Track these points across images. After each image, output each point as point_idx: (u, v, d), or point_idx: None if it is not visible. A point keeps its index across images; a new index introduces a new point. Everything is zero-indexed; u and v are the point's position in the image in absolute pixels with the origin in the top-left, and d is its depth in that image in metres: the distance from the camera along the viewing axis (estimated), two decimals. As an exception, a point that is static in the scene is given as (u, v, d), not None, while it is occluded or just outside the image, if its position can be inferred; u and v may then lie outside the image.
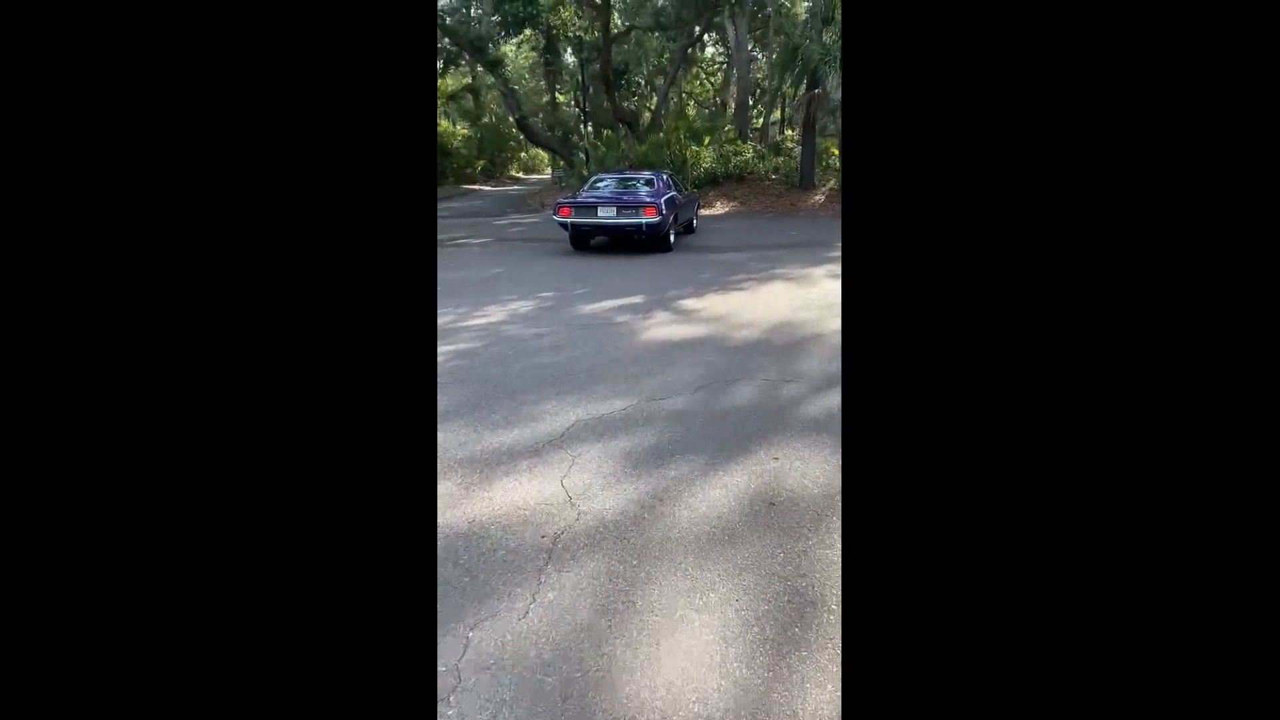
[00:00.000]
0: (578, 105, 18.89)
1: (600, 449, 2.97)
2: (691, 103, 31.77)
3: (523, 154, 33.89)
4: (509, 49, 27.85)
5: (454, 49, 19.09)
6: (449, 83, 25.19)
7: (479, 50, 17.22)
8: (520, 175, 33.12)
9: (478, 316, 5.56)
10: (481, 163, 26.77)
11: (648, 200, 8.84)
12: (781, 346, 4.54)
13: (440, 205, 17.25)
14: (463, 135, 26.71)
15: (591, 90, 18.90)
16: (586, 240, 9.38)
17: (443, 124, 25.38)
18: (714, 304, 5.90)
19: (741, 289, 6.59)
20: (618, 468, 2.79)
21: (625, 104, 19.16)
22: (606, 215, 8.81)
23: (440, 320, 5.38)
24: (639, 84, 21.87)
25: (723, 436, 3.08)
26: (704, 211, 14.31)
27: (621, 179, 10.08)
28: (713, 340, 4.72)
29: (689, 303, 5.97)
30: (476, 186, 25.14)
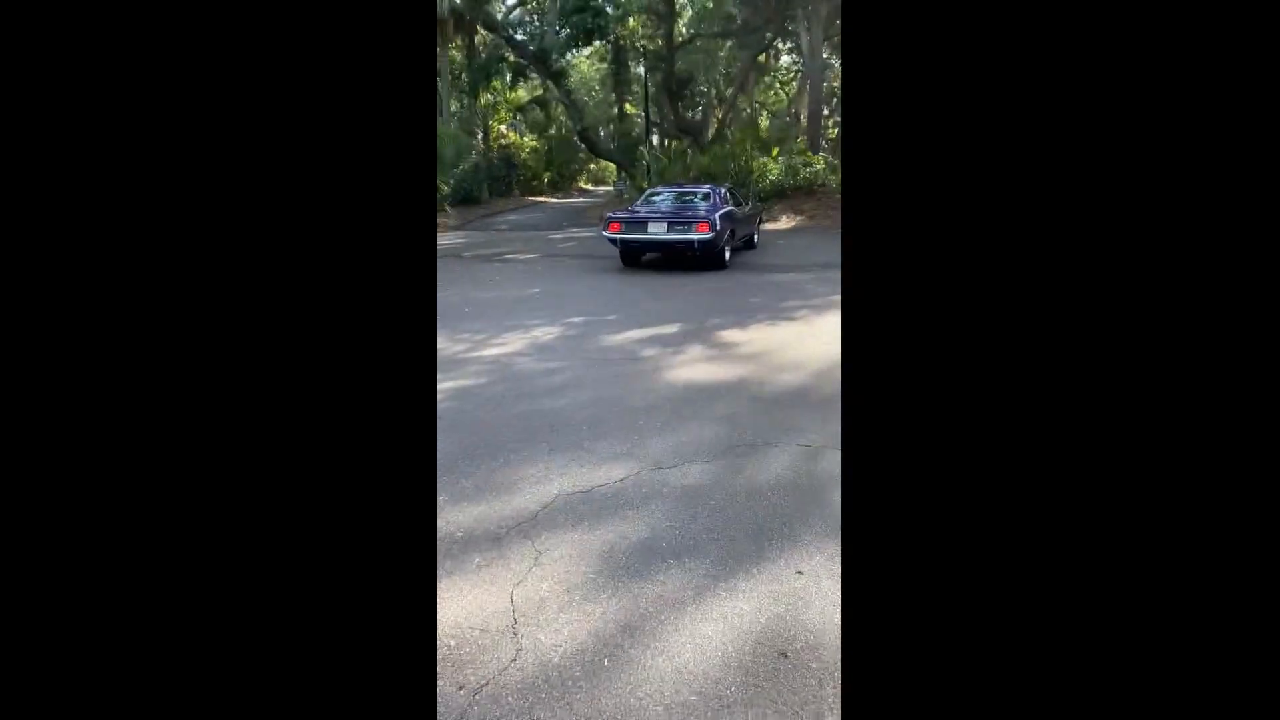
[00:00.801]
0: (644, 116, 18.39)
1: (576, 541, 2.34)
2: (765, 113, 30.88)
3: (592, 166, 33.82)
4: (582, 62, 27.87)
5: (522, 61, 19.05)
6: (520, 94, 25.33)
7: (542, 62, 17.04)
8: (589, 187, 33.04)
9: (493, 345, 5.06)
10: (548, 175, 26.75)
11: (701, 215, 8.19)
12: (831, 398, 3.79)
13: (499, 218, 17.14)
14: (530, 147, 26.81)
15: (663, 101, 18.40)
16: (637, 257, 8.82)
17: (510, 135, 25.55)
18: (759, 337, 5.18)
19: (794, 318, 5.84)
20: (589, 574, 2.16)
21: (690, 114, 18.52)
22: (657, 231, 8.22)
23: (451, 349, 4.90)
24: (705, 93, 21.11)
25: (736, 530, 2.40)
26: (769, 226, 13.55)
27: (678, 192, 9.50)
28: (748, 386, 4.02)
29: (731, 334, 5.27)
30: (542, 199, 25.08)
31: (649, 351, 4.80)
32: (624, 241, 8.42)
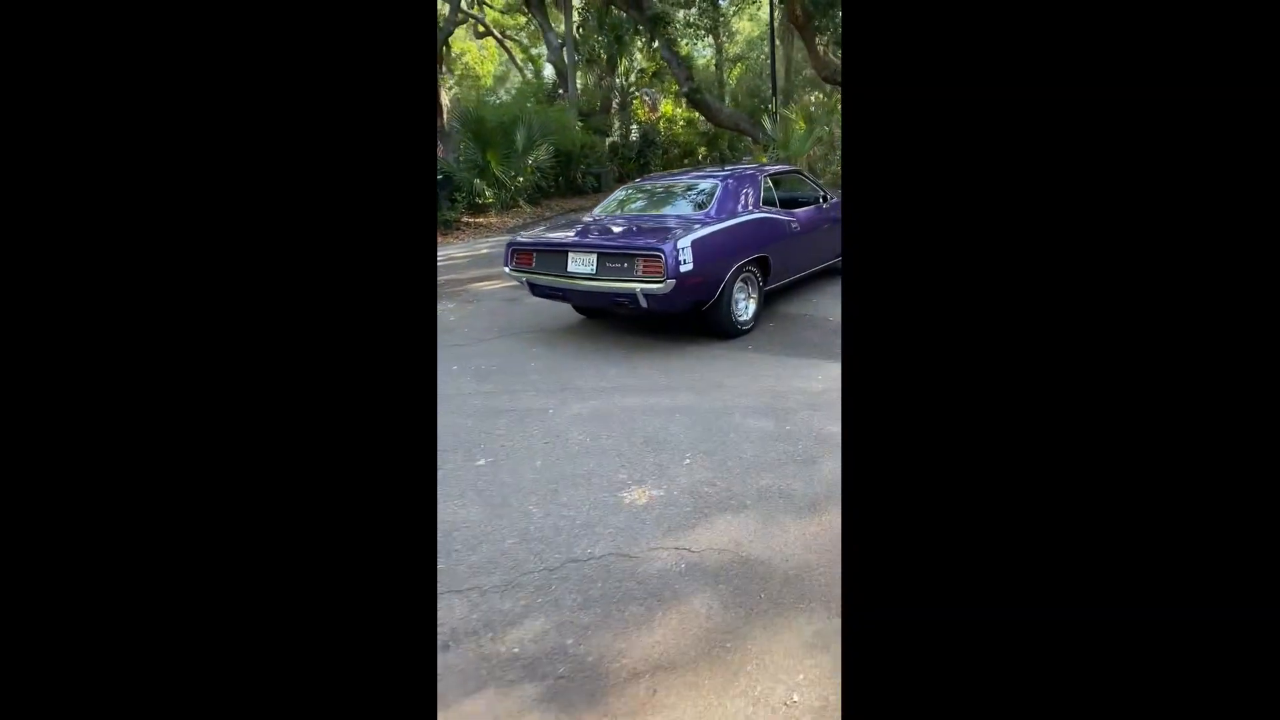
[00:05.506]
0: (769, 62, 13.66)
1: None
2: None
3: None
4: (747, 20, 23.27)
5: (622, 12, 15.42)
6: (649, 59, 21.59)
7: (636, 6, 13.24)
8: (764, 161, 28.27)
9: None
10: (704, 150, 22.77)
11: (649, 245, 4.10)
12: None
13: (568, 214, 13.86)
14: (685, 118, 23.02)
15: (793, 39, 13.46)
16: (587, 308, 5.02)
17: (660, 109, 22.00)
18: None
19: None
20: None
21: (836, 54, 13.29)
22: (581, 269, 4.34)
23: None
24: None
25: None
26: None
27: (672, 187, 5.29)
28: None
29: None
30: (692, 179, 21.26)
31: None
32: (533, 286, 4.69)
